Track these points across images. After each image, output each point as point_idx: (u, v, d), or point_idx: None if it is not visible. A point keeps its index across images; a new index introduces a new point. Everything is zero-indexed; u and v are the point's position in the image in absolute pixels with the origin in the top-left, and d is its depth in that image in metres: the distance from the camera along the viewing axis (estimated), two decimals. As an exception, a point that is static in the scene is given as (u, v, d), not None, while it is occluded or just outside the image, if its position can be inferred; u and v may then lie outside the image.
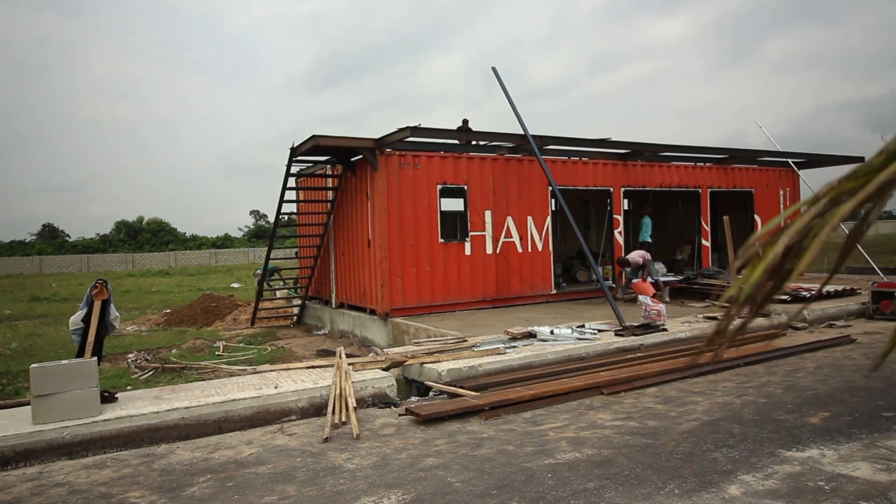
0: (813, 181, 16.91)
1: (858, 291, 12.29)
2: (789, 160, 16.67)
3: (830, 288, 12.02)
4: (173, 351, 10.76)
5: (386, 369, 7.39)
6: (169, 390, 6.78)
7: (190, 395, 6.35)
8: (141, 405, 6.01)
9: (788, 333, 9.80)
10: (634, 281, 12.58)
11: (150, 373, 8.87)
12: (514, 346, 8.12)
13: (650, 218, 15.71)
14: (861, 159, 17.00)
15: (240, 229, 71.21)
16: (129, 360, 9.82)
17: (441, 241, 11.67)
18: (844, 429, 5.21)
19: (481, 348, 8.03)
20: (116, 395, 6.36)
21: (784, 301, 11.29)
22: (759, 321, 9.86)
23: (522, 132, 11.73)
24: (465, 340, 8.47)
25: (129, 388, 7.77)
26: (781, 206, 16.82)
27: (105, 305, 6.42)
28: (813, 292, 11.23)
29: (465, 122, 14.38)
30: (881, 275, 14.18)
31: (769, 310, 10.43)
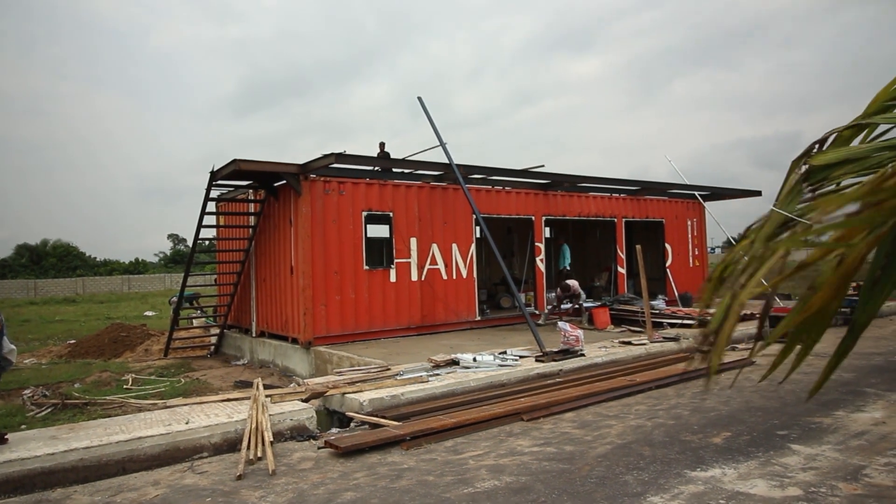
0: (716, 212, 18.14)
1: (758, 316, 13.18)
2: (696, 193, 17.80)
3: (734, 313, 12.83)
4: (76, 385, 10.05)
5: (306, 400, 7.22)
6: (67, 429, 6.32)
7: (91, 434, 5.94)
8: (35, 446, 5.56)
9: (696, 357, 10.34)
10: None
11: (49, 410, 8.24)
12: (438, 374, 8.14)
13: (568, 246, 16.29)
14: (758, 193, 18.42)
15: (156, 255, 67.92)
16: (24, 397, 9.08)
17: (366, 268, 11.61)
18: (744, 448, 5.54)
19: (404, 377, 8.00)
20: (7, 437, 5.86)
21: (692, 326, 11.94)
22: (670, 345, 10.38)
23: (447, 161, 11.94)
24: (389, 369, 8.41)
25: (23, 427, 7.18)
26: (689, 236, 17.89)
27: (-4, 338, 5.94)
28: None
29: (382, 145, 14.51)
30: (777, 300, 15.30)
31: (679, 335, 11.00)
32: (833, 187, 1.44)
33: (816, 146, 1.43)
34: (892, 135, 1.45)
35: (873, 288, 1.15)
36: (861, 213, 1.15)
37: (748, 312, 13.14)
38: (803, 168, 1.40)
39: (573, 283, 13.47)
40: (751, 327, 12.09)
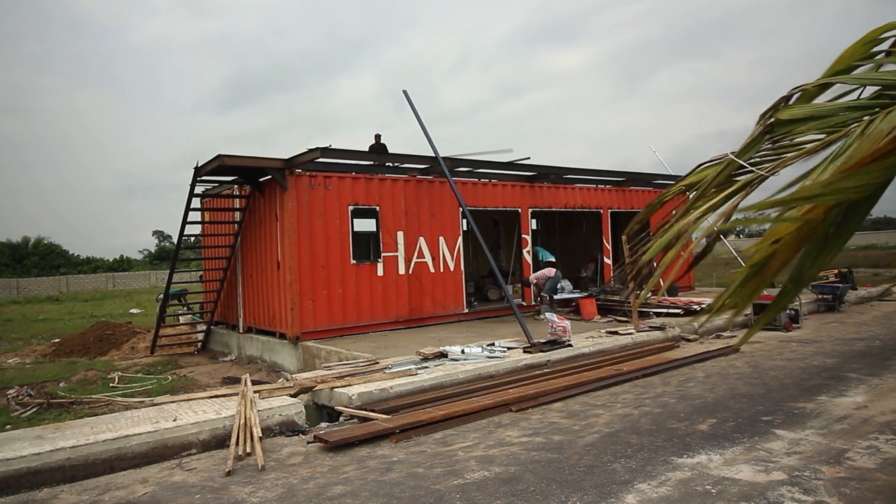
0: (702, 202, 18.24)
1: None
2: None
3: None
4: (61, 384, 9.95)
5: (294, 395, 7.20)
6: (53, 428, 6.26)
7: (77, 433, 5.89)
8: (20, 447, 5.51)
9: (681, 345, 10.46)
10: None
11: (34, 409, 8.16)
12: (426, 367, 8.16)
13: (541, 247, 16.26)
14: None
15: (140, 252, 67.15)
16: (9, 397, 8.98)
17: (353, 262, 11.58)
18: (729, 434, 5.62)
19: (393, 370, 8.01)
20: (-9, 437, 5.80)
21: (677, 315, 12.07)
22: (655, 334, 10.48)
23: (433, 154, 11.91)
24: (377, 363, 8.42)
25: (8, 427, 7.10)
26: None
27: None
28: (703, 306, 12.08)
29: (378, 137, 14.42)
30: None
31: (664, 323, 11.11)
32: (788, 143, 1.46)
33: (783, 102, 1.45)
34: (854, 96, 1.47)
35: (824, 246, 1.20)
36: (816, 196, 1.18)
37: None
38: (769, 122, 1.43)
39: (535, 274, 13.59)
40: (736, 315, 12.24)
